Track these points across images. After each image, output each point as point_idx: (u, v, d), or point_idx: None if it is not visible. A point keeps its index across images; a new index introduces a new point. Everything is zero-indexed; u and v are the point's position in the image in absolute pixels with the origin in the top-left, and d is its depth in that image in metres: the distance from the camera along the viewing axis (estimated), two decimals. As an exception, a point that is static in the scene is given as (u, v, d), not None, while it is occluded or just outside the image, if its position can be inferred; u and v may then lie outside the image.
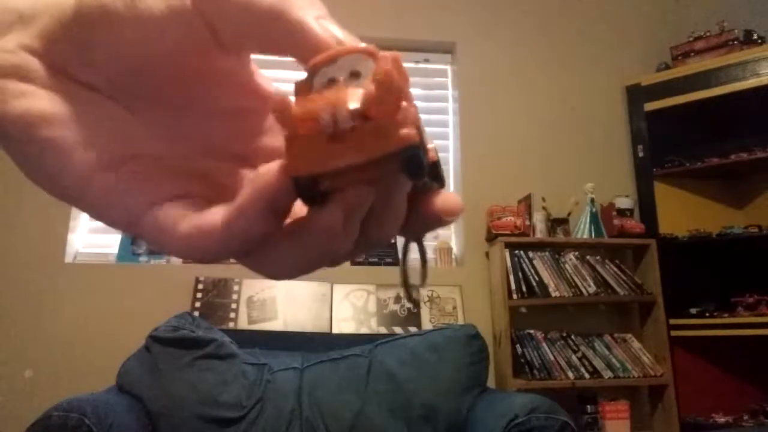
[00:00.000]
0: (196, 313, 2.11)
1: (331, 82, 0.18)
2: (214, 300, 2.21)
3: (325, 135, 0.17)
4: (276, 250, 0.19)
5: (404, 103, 0.17)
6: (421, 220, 0.21)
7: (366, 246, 0.20)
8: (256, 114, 0.23)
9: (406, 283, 0.25)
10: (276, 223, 0.19)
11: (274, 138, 0.23)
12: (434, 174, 0.20)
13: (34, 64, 0.20)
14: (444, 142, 2.76)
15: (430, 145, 0.20)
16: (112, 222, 0.20)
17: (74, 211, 2.39)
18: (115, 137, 0.20)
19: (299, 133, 0.17)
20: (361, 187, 0.18)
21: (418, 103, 0.18)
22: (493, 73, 2.79)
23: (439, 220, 0.21)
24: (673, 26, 2.86)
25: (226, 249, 0.19)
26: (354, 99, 0.16)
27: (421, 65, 2.83)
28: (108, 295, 2.28)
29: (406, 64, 0.18)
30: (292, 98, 0.18)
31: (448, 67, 2.87)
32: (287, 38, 0.19)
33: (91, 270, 2.32)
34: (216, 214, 0.19)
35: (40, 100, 0.19)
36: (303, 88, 0.18)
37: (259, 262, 0.20)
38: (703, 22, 2.73)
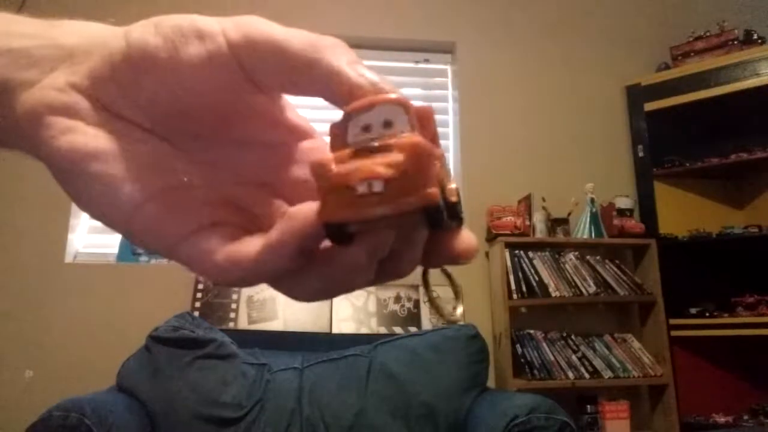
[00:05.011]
0: (196, 313, 2.11)
1: (365, 129, 0.19)
2: (214, 300, 2.21)
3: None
4: (302, 278, 0.21)
5: (432, 161, 0.19)
6: (438, 256, 0.22)
7: (383, 279, 0.22)
8: (286, 146, 0.25)
9: (437, 308, 0.27)
10: (303, 260, 0.20)
11: (302, 169, 0.24)
12: (453, 214, 0.21)
13: (82, 102, 0.21)
14: (444, 142, 2.76)
15: (452, 185, 0.22)
16: (153, 248, 0.22)
17: (74, 210, 2.39)
18: (157, 170, 0.22)
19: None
20: (384, 231, 0.19)
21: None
22: (493, 73, 2.79)
23: (455, 260, 0.22)
24: (673, 26, 2.86)
25: (257, 278, 0.21)
26: (385, 172, 0.18)
27: (421, 65, 2.82)
28: (108, 295, 2.28)
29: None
30: (327, 140, 0.20)
31: (448, 67, 2.86)
32: (323, 83, 0.20)
33: (91, 270, 2.32)
34: (249, 246, 0.20)
35: (87, 137, 0.20)
36: (338, 132, 0.20)
37: (285, 287, 0.22)
38: (703, 22, 2.73)
